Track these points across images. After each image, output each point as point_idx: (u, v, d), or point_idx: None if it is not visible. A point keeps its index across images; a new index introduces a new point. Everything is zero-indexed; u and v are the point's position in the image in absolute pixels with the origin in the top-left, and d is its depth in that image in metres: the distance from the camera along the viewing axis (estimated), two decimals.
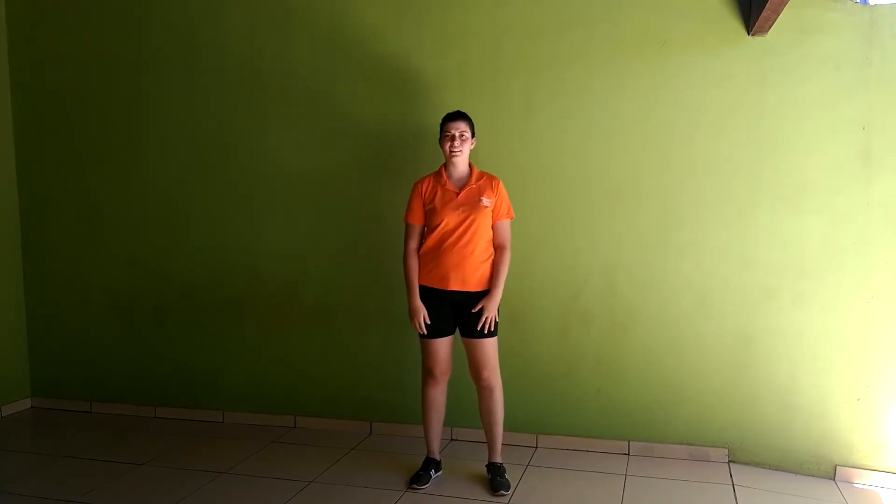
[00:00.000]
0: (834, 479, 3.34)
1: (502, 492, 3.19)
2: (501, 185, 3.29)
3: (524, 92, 3.68)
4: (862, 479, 3.30)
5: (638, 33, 3.53)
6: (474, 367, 3.27)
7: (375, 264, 3.89)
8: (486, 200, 3.20)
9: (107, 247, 4.41)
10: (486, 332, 3.20)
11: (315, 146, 4.01)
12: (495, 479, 3.25)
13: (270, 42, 4.03)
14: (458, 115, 3.27)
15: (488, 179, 3.27)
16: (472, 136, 3.29)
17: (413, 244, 3.30)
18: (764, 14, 3.07)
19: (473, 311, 3.19)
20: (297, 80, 4.00)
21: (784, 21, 3.21)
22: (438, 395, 3.34)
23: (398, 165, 3.78)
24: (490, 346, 3.25)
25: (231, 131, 4.14)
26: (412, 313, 3.26)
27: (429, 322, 3.23)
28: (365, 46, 3.88)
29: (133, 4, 4.26)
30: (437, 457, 3.42)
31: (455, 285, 3.19)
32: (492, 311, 3.20)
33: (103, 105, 4.35)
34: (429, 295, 3.25)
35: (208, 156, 4.19)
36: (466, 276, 3.19)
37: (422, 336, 3.30)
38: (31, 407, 4.59)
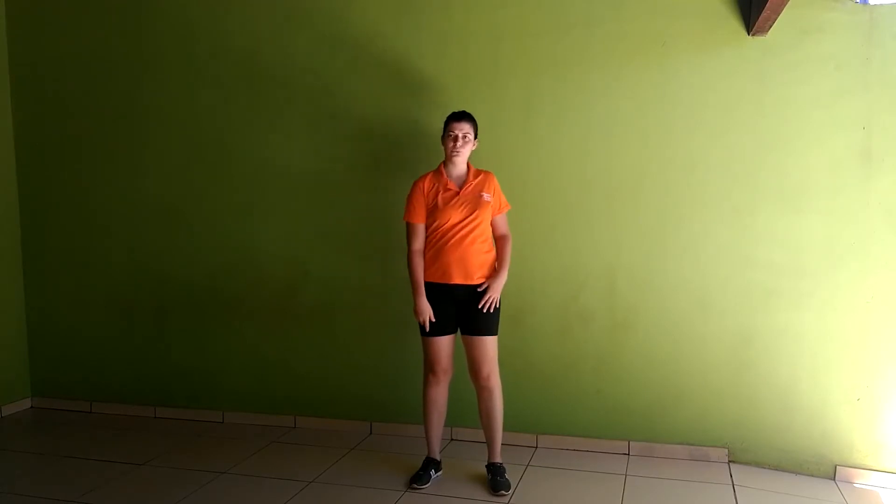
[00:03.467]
0: (834, 479, 3.34)
1: (502, 492, 3.19)
2: (495, 179, 3.33)
3: (524, 92, 3.68)
4: (862, 479, 3.30)
5: (638, 33, 3.53)
6: (474, 366, 3.27)
7: (375, 264, 3.89)
8: (486, 196, 3.23)
9: (107, 247, 4.41)
10: (485, 310, 3.19)
11: (315, 146, 4.01)
12: (495, 479, 3.25)
13: (271, 42, 4.03)
14: (464, 116, 3.28)
15: (484, 176, 3.31)
16: (475, 137, 3.30)
17: (417, 244, 3.27)
18: (764, 14, 3.08)
19: (479, 289, 3.20)
20: (298, 80, 4.00)
21: (784, 21, 3.21)
22: (440, 395, 3.34)
23: (398, 165, 3.78)
24: (490, 345, 3.25)
25: (231, 132, 4.14)
26: (418, 313, 3.25)
27: (434, 320, 3.24)
28: (365, 47, 3.88)
29: (133, 4, 4.26)
30: (438, 457, 3.42)
31: (458, 279, 3.21)
32: (496, 290, 3.21)
33: (103, 105, 4.35)
34: (431, 291, 3.25)
35: (208, 156, 4.19)
36: (469, 270, 3.21)
37: (423, 334, 3.30)
38: (31, 407, 4.59)
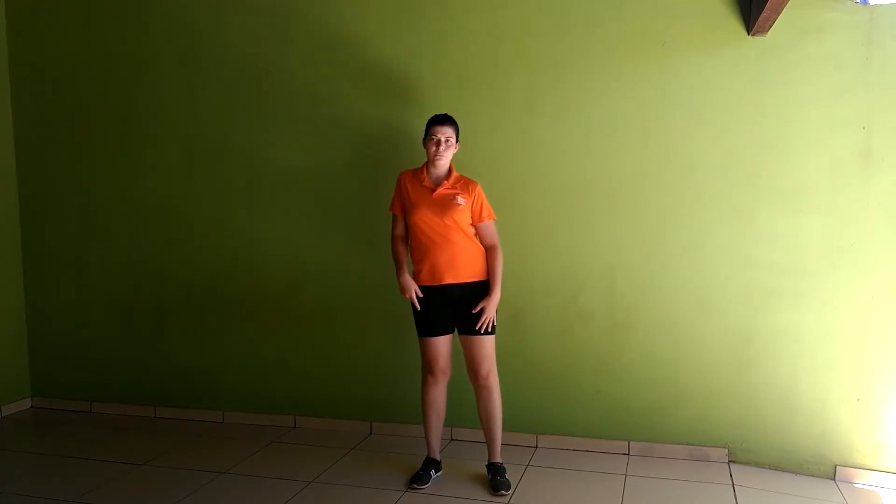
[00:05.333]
0: (834, 479, 3.34)
1: (503, 491, 3.19)
2: (479, 189, 3.30)
3: (524, 92, 3.68)
4: (862, 479, 3.30)
5: (638, 33, 3.53)
6: (473, 366, 3.27)
7: (375, 265, 3.89)
8: (460, 199, 3.22)
9: (107, 246, 4.41)
10: (483, 331, 3.21)
11: (315, 147, 4.01)
12: (496, 478, 3.25)
13: (270, 43, 4.03)
14: (445, 120, 3.28)
15: (465, 183, 3.29)
16: (457, 140, 3.30)
17: (398, 231, 3.40)
18: (764, 14, 3.08)
19: (474, 311, 3.20)
20: (297, 80, 4.00)
21: (784, 21, 3.21)
22: (439, 396, 3.35)
23: (398, 166, 3.76)
24: (489, 344, 3.26)
25: (231, 132, 4.14)
26: (403, 289, 3.29)
27: (420, 296, 3.25)
28: (365, 47, 3.88)
29: (133, 5, 4.26)
30: (438, 457, 3.42)
31: (449, 279, 3.22)
32: (492, 311, 3.22)
33: (103, 105, 4.35)
34: (426, 294, 3.27)
35: (208, 156, 4.19)
36: (459, 269, 3.22)
37: (420, 335, 3.31)
38: (31, 407, 4.59)
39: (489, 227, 3.31)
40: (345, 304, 4.02)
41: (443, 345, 3.29)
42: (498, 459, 3.33)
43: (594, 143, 3.61)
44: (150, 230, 4.32)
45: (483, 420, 3.33)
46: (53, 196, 4.49)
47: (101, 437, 4.02)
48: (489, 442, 3.33)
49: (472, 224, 3.27)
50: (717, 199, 3.48)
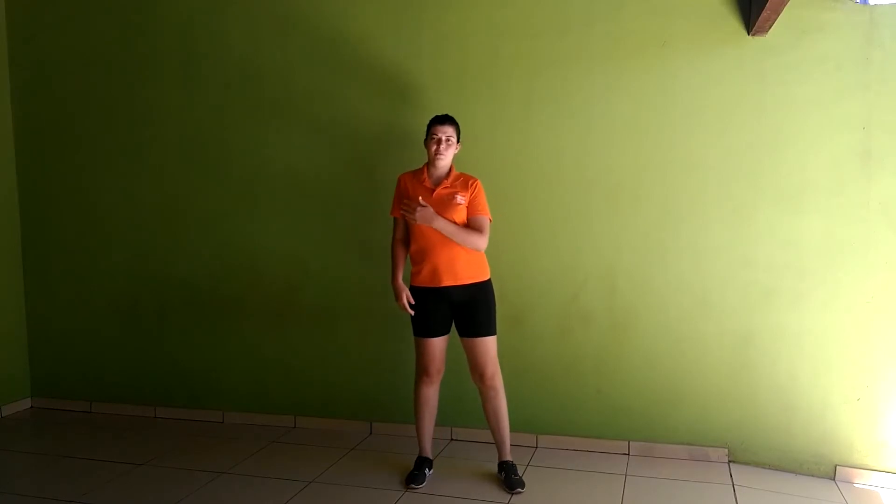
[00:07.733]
0: (834, 479, 3.34)
1: (519, 489, 3.19)
2: (479, 185, 3.29)
3: (523, 93, 3.68)
4: (862, 479, 3.30)
5: (638, 33, 3.53)
6: (477, 367, 3.27)
7: (375, 264, 3.88)
8: (459, 198, 3.22)
9: (107, 246, 4.41)
10: (413, 211, 3.13)
11: (314, 147, 4.01)
12: (510, 477, 3.25)
13: (269, 43, 4.04)
14: (446, 119, 3.29)
15: (465, 180, 3.29)
16: (458, 140, 3.30)
17: (397, 234, 3.40)
18: (764, 14, 3.07)
19: (421, 201, 3.14)
20: (297, 81, 4.00)
21: (784, 21, 3.21)
22: (432, 395, 3.36)
23: (397, 166, 3.77)
24: (492, 345, 3.27)
25: (231, 132, 4.14)
26: (396, 295, 3.32)
27: (412, 302, 3.26)
28: (364, 47, 3.89)
29: (133, 5, 4.26)
30: (430, 455, 3.42)
31: (447, 281, 3.21)
32: (427, 213, 3.12)
33: (103, 105, 4.35)
34: (424, 295, 3.26)
35: (208, 156, 4.19)
36: (457, 270, 3.21)
37: (417, 335, 3.31)
38: (31, 407, 4.60)
39: (481, 219, 3.24)
40: (345, 304, 4.02)
41: (439, 345, 3.30)
42: (509, 458, 3.34)
43: (594, 142, 3.61)
44: (150, 230, 4.32)
45: (492, 420, 3.33)
46: (53, 196, 4.49)
47: (101, 437, 4.02)
48: (499, 441, 3.34)
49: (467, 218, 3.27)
50: (717, 199, 3.48)
